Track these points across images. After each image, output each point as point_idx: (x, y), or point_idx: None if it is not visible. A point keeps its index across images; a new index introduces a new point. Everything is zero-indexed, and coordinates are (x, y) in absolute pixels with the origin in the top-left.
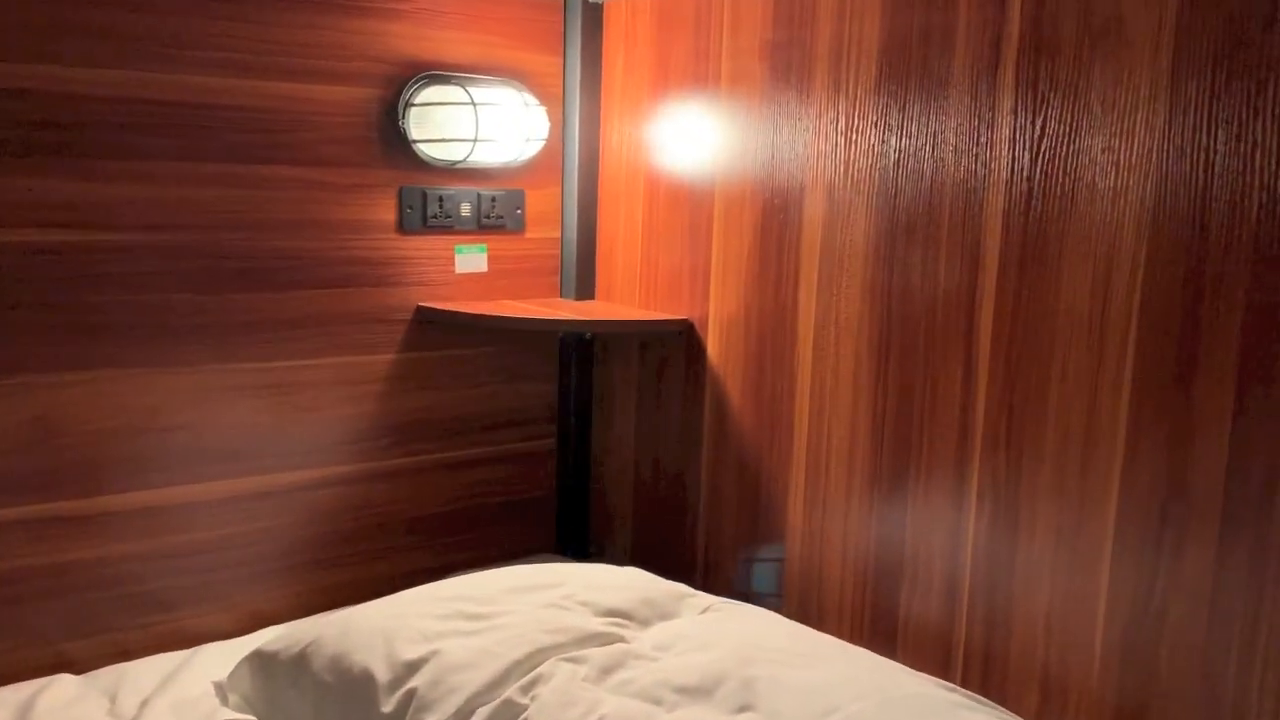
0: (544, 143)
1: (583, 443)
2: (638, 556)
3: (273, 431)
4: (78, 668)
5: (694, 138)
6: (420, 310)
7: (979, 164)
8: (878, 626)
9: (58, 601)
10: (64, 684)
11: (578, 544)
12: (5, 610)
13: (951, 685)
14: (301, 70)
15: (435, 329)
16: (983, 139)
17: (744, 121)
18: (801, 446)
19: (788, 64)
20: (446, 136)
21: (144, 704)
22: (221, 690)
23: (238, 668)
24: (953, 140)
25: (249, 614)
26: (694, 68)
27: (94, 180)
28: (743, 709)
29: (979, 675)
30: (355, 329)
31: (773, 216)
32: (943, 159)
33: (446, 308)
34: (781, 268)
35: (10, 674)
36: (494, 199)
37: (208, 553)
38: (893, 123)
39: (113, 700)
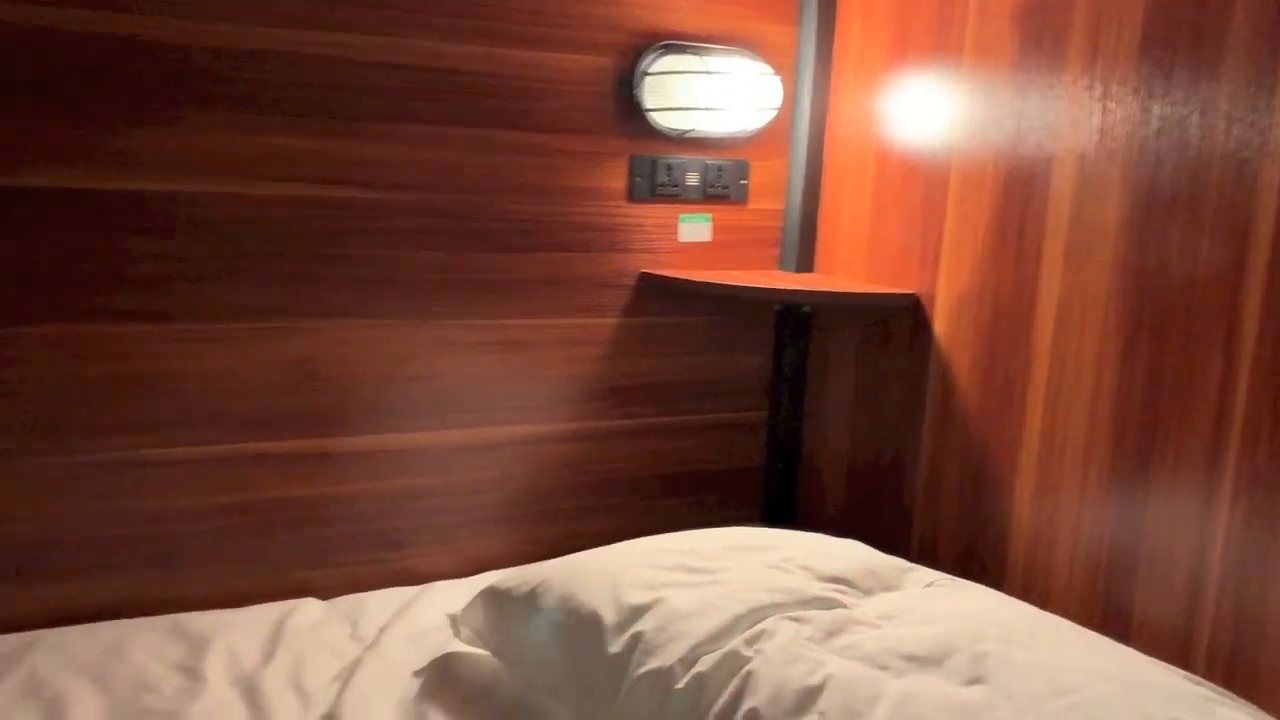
0: (775, 113)
1: (795, 416)
2: (846, 533)
3: (502, 386)
4: (318, 595)
5: (931, 108)
6: (644, 277)
7: (1254, 133)
8: (1108, 620)
9: (302, 532)
10: (310, 607)
11: (785, 517)
12: (257, 536)
13: (1197, 678)
14: (548, 39)
15: (657, 295)
16: (1260, 105)
17: (988, 90)
18: (1034, 429)
19: (1041, 30)
20: (679, 105)
21: (382, 631)
22: (455, 623)
23: (471, 603)
24: (1224, 107)
25: (471, 557)
26: (936, 36)
27: (357, 140)
28: (973, 681)
29: (1222, 680)
30: (582, 292)
31: (1015, 189)
32: (1212, 127)
33: (670, 274)
34: (1023, 243)
35: (261, 595)
36: (720, 169)
37: (436, 497)
38: (1156, 89)
39: (353, 625)
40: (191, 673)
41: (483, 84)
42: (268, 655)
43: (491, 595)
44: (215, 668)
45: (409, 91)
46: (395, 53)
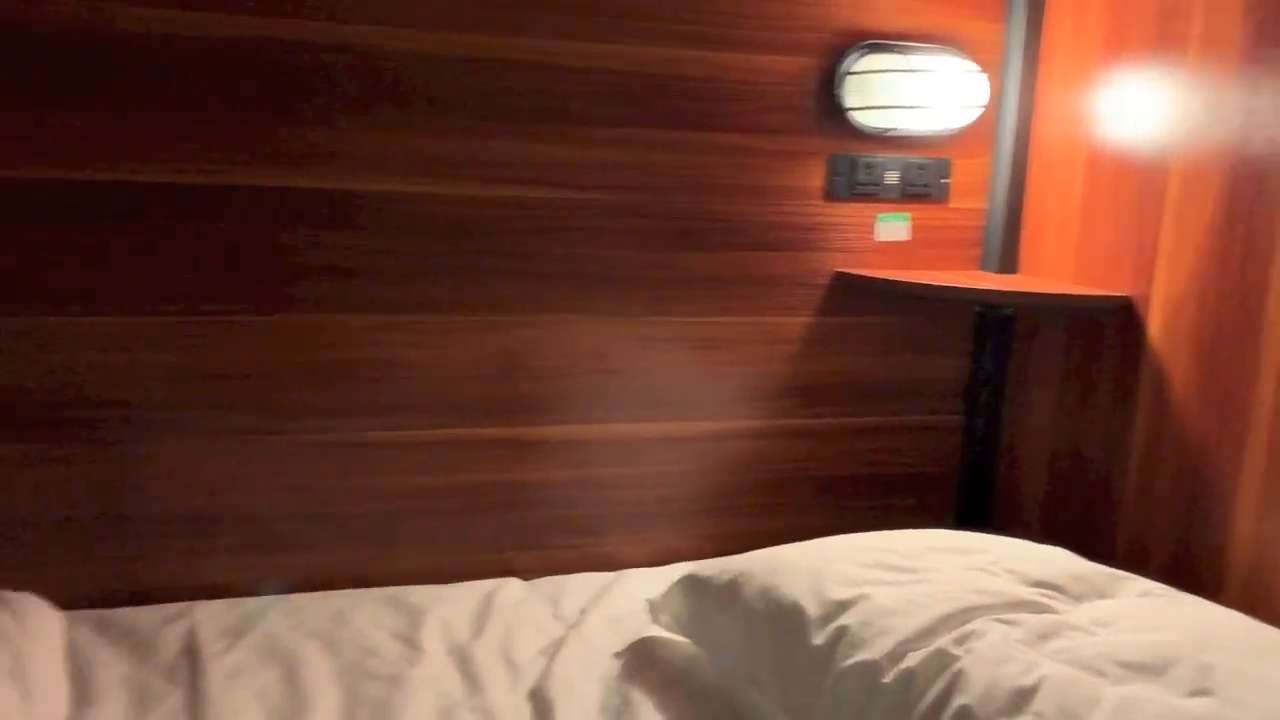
0: (980, 110)
1: (993, 421)
2: (1046, 540)
3: (696, 382)
4: (519, 575)
5: (1149, 104)
6: (839, 276)
7: None
8: None
9: (506, 515)
10: (513, 586)
11: (979, 523)
12: (465, 517)
13: None
14: (750, 41)
15: (851, 295)
16: None
17: (1214, 85)
18: (1259, 440)
19: (1276, 20)
20: (881, 104)
21: (582, 613)
22: (653, 609)
23: (669, 590)
24: None
25: (662, 548)
26: (1158, 29)
27: (563, 143)
28: (1199, 693)
29: None
30: (777, 291)
31: (1242, 188)
32: None
33: (867, 274)
34: (1251, 244)
35: (466, 572)
36: (920, 167)
37: (630, 488)
38: None
39: (554, 606)
40: (410, 641)
41: (685, 87)
42: (478, 629)
43: (691, 583)
44: (431, 638)
45: (612, 95)
46: (599, 58)
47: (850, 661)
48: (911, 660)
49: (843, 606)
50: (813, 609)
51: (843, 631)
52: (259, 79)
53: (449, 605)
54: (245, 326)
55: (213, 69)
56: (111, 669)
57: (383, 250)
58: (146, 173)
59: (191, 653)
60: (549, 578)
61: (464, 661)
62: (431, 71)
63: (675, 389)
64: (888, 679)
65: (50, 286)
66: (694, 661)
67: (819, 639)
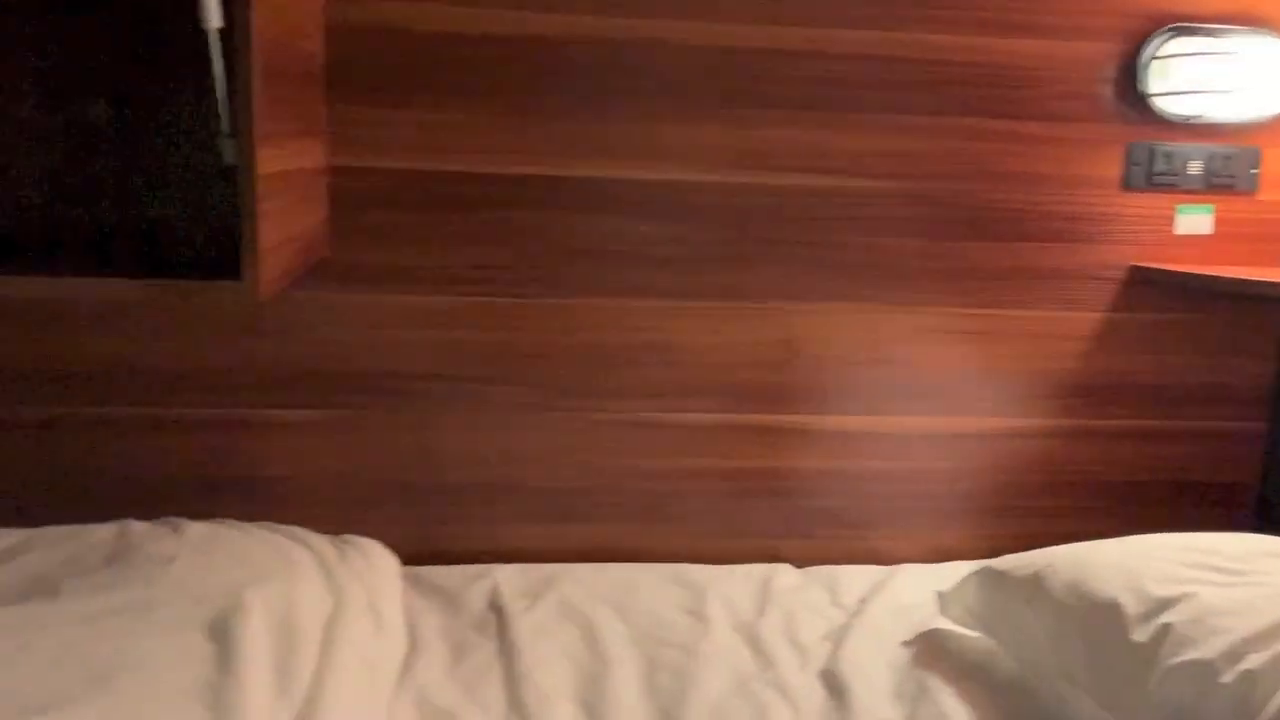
0: None
1: None
2: None
3: (972, 376)
4: (786, 562)
5: None
6: (1135, 270)
7: None
8: None
9: (776, 501)
10: (788, 572)
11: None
12: (734, 501)
13: None
14: (1041, 26)
15: (1144, 291)
16: None
17: None
18: None
19: None
20: (1188, 89)
21: (862, 602)
22: (943, 601)
23: (963, 582)
24: None
25: (931, 546)
26: None
27: (847, 130)
28: None
29: None
30: (1064, 284)
31: None
32: None
33: (1169, 268)
34: None
35: (734, 555)
36: (1227, 157)
37: (900, 482)
38: None
39: (831, 594)
40: (697, 615)
41: (973, 73)
42: (759, 610)
43: (989, 576)
44: (716, 614)
45: (899, 82)
46: (886, 45)
47: (1179, 660)
48: (1251, 663)
49: (1165, 604)
50: (1131, 606)
51: (1168, 629)
52: (564, 74)
53: (727, 585)
54: (538, 308)
55: (522, 64)
56: (429, 618)
57: (670, 238)
58: (460, 163)
59: (497, 609)
60: (822, 566)
61: (751, 639)
62: (722, 64)
63: (951, 382)
64: (1226, 679)
65: (374, 265)
66: (987, 655)
67: (1140, 635)
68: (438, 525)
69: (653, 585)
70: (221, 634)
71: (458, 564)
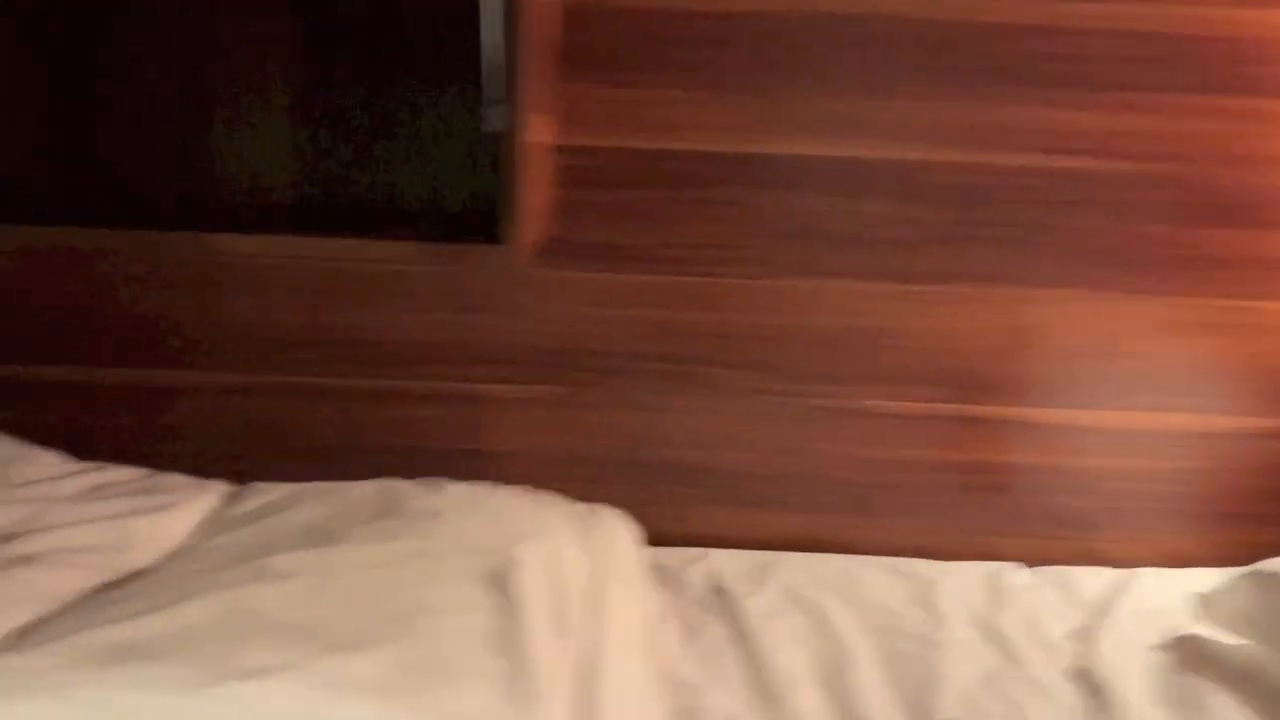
0: None
1: None
2: None
3: (1218, 372)
4: (1006, 561)
5: None
6: None
7: None
8: None
9: (996, 497)
10: (1018, 571)
11: None
12: (953, 496)
13: None
14: None
15: None
16: None
17: None
18: None
19: None
20: None
21: (1103, 604)
22: (1206, 604)
23: (1231, 584)
24: None
25: (1166, 550)
26: None
27: (1088, 110)
28: None
29: None
30: None
31: None
32: None
33: None
34: None
35: (949, 552)
36: None
37: (1133, 481)
38: None
39: (1066, 594)
40: (928, 608)
41: (1218, 48)
42: (993, 606)
43: (1266, 578)
44: (949, 608)
45: (1141, 59)
46: (1127, 18)
47: None
48: None
49: None
50: None
51: None
52: (789, 50)
53: (953, 580)
54: (757, 290)
55: (746, 41)
56: (656, 595)
57: (893, 218)
58: (683, 141)
59: (720, 592)
60: (1054, 567)
61: (991, 635)
62: (954, 39)
63: (1195, 379)
64: None
65: (597, 244)
66: (1254, 662)
67: None
68: (652, 506)
69: (873, 577)
70: (501, 586)
71: (669, 545)
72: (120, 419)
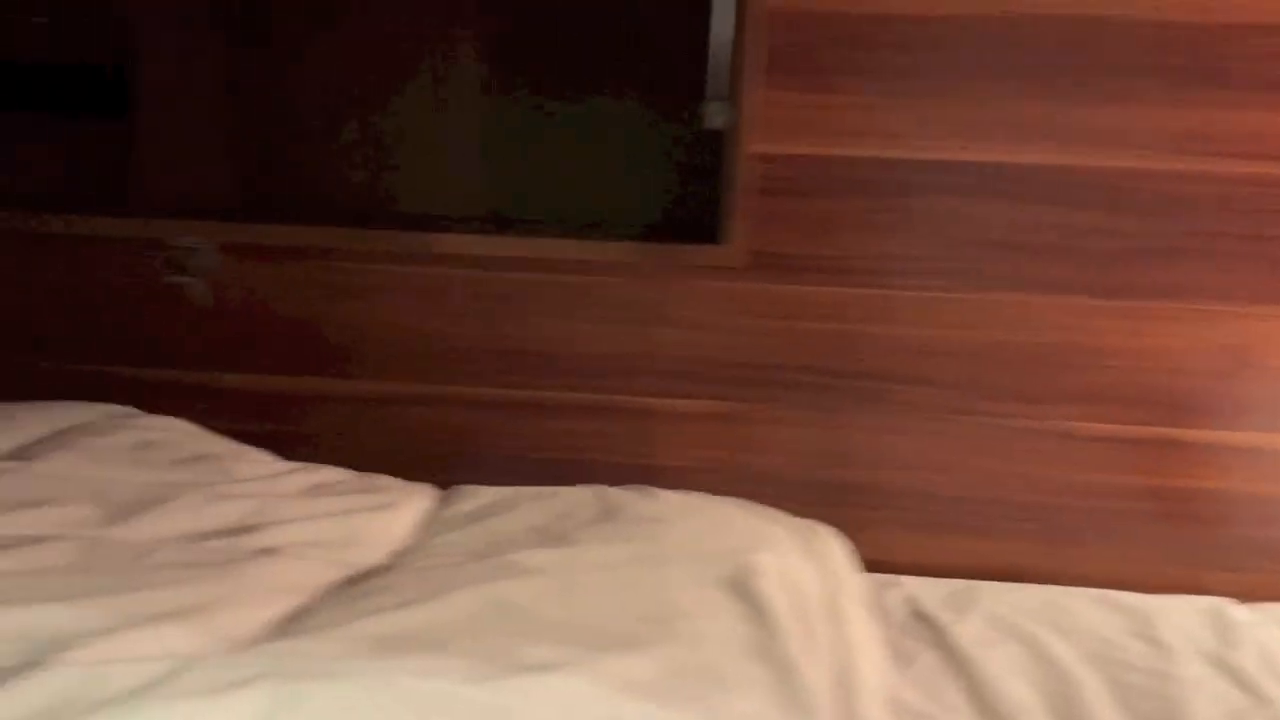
0: None
1: None
2: None
3: None
4: (1207, 594)
5: None
6: None
7: None
8: None
9: (1205, 529)
10: (1235, 608)
11: None
12: (1160, 525)
13: None
14: None
15: None
16: None
17: None
18: None
19: None
20: None
21: None
22: None
23: None
24: None
25: None
26: None
27: None
28: None
29: None
30: None
31: None
32: None
33: None
34: None
35: (1153, 584)
36: None
37: None
38: None
39: None
40: (1151, 641)
41: None
42: (1222, 642)
43: None
44: (1174, 641)
45: None
46: None
47: None
48: None
49: None
50: None
51: None
52: (984, 55)
53: (1171, 614)
54: (950, 303)
55: (943, 46)
56: None
57: (1098, 229)
58: (874, 148)
59: (922, 618)
60: (1274, 604)
61: (1229, 673)
62: (1163, 40)
63: None
64: None
65: (781, 254)
66: None
67: None
68: (833, 528)
69: (1082, 608)
70: (744, 593)
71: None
72: (287, 426)
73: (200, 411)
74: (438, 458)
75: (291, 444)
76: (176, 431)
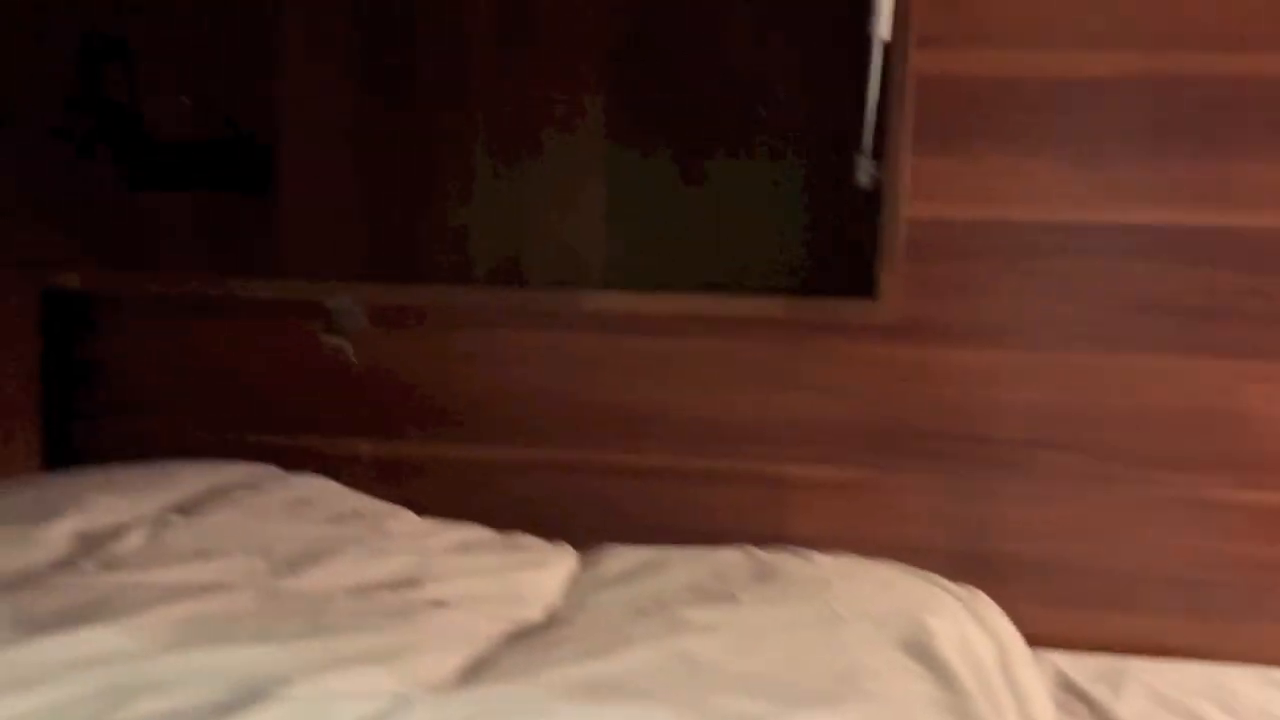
0: None
1: None
2: None
3: None
4: None
5: None
6: None
7: None
8: None
9: None
10: None
11: None
12: None
13: None
14: None
15: None
16: None
17: None
18: None
19: None
20: None
21: None
22: None
23: None
24: None
25: None
26: None
27: None
28: None
29: None
30: None
31: None
32: None
33: None
34: None
35: None
36: None
37: None
38: None
39: None
40: None
41: None
42: None
43: None
44: None
45: None
46: None
47: None
48: None
49: None
50: None
51: None
52: (1139, 115)
53: None
54: (1094, 366)
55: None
56: None
57: (1247, 289)
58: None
59: (1078, 694)
60: None
61: None
62: None
63: None
64: None
65: (921, 318)
66: None
67: None
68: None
69: (1250, 688)
70: (923, 655)
71: None
72: (420, 487)
73: (336, 473)
74: (568, 523)
75: (423, 505)
76: (325, 490)
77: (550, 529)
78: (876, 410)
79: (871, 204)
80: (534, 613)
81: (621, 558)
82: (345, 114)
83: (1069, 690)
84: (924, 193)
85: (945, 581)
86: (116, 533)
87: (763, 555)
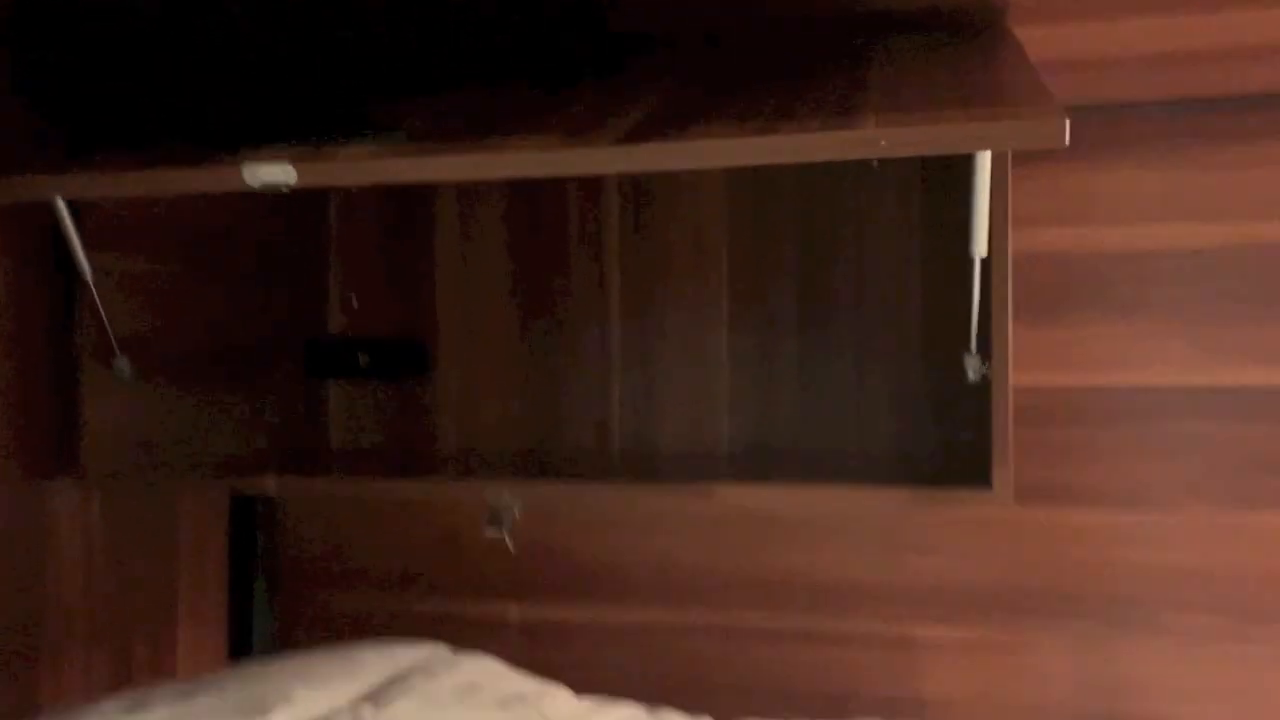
0: None
1: None
2: None
3: None
4: None
5: None
6: None
7: None
8: None
9: None
10: None
11: None
12: None
13: None
14: None
15: None
16: None
17: None
18: None
19: None
20: None
21: None
22: None
23: None
24: None
25: None
26: None
27: None
28: None
29: None
30: None
31: None
32: None
33: None
34: None
35: None
36: None
37: None
38: None
39: None
40: None
41: None
42: None
43: None
44: None
45: None
46: None
47: None
48: None
49: None
50: None
51: None
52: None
53: None
54: (1209, 525)
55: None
56: None
57: None
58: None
59: None
60: None
61: None
62: None
63: None
64: None
65: (1038, 482)
66: None
67: None
68: None
69: None
70: None
71: None
72: (556, 654)
73: (484, 641)
74: (703, 683)
75: (558, 672)
76: (488, 672)
77: (687, 689)
78: (1005, 571)
79: (982, 398)
80: None
81: None
82: (497, 311)
83: None
84: (1033, 363)
85: None
86: None
87: None
